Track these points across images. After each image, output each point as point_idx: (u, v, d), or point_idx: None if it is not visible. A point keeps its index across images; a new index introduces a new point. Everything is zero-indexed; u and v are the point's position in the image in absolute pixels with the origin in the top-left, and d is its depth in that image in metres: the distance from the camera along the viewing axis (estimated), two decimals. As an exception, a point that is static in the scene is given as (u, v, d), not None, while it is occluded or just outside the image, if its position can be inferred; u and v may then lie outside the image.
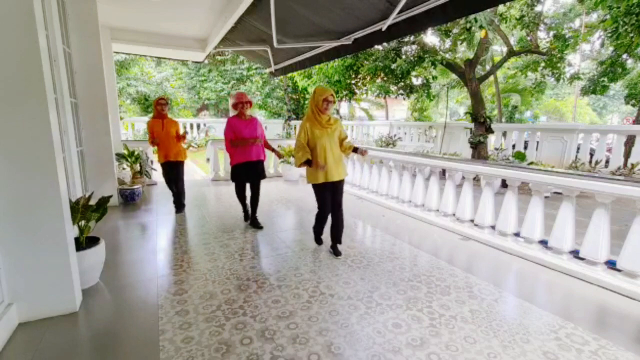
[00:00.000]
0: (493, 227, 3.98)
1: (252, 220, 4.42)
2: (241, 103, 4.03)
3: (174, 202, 5.06)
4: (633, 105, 12.19)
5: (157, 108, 4.73)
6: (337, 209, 3.47)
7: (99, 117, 4.96)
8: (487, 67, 12.23)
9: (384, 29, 3.97)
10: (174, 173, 4.90)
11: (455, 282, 2.97)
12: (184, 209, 5.11)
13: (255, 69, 15.87)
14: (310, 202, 5.89)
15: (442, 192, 4.59)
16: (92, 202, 2.92)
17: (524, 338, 2.22)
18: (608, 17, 6.69)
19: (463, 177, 4.37)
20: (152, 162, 6.95)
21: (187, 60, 12.74)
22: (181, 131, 4.88)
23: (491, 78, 13.51)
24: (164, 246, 3.78)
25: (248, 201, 4.45)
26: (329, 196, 3.40)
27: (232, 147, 4.08)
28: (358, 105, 20.67)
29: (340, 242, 3.56)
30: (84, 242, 2.78)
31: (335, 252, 3.50)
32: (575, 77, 10.09)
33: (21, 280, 2.26)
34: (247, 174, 4.19)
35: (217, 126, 16.11)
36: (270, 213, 5.05)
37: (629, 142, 7.75)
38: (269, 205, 5.47)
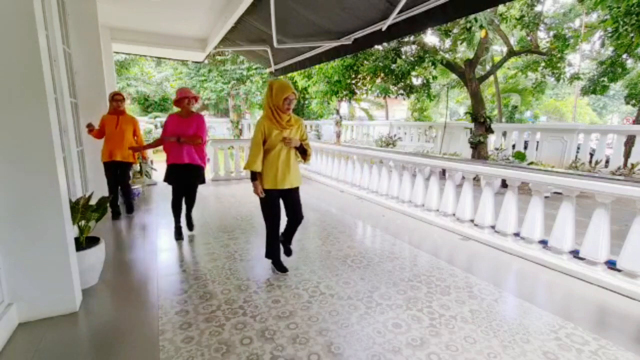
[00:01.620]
0: (493, 227, 3.98)
1: (186, 218, 4.08)
2: (187, 98, 3.66)
3: (113, 204, 4.65)
4: (633, 105, 12.20)
5: (113, 104, 4.45)
6: (296, 223, 3.12)
7: (99, 117, 4.95)
8: (487, 67, 12.23)
9: (384, 29, 3.97)
10: (118, 174, 4.61)
11: (455, 282, 2.96)
12: (133, 210, 4.96)
13: (255, 69, 15.85)
14: (310, 202, 5.89)
15: (442, 192, 4.59)
16: (92, 202, 2.92)
17: (524, 338, 2.22)
18: (608, 17, 6.69)
19: (463, 177, 4.37)
20: (152, 162, 6.95)
21: (187, 60, 12.73)
22: (141, 130, 4.71)
23: (491, 78, 13.52)
24: (164, 246, 3.77)
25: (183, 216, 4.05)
26: (278, 205, 2.99)
27: (165, 145, 3.75)
28: (358, 105, 20.67)
29: (291, 242, 3.25)
30: (84, 242, 2.78)
31: (287, 251, 3.22)
32: (575, 77, 10.09)
33: (21, 280, 2.25)
34: (178, 177, 3.79)
35: (217, 126, 16.20)
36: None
37: (629, 142, 7.75)
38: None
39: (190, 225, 4.13)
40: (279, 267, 3.10)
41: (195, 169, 3.83)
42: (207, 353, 2.02)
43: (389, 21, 3.79)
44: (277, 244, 3.11)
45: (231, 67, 16.26)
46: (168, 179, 3.82)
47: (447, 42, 9.38)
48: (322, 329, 2.27)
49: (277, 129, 2.81)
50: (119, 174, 4.62)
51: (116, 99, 4.47)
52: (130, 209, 4.92)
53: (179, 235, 3.94)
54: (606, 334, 2.30)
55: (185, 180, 3.85)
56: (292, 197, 3.05)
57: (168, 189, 5.29)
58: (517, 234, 3.76)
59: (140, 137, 4.76)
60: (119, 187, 4.74)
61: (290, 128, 2.88)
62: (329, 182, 7.30)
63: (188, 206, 4.06)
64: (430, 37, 10.15)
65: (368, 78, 9.56)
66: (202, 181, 3.98)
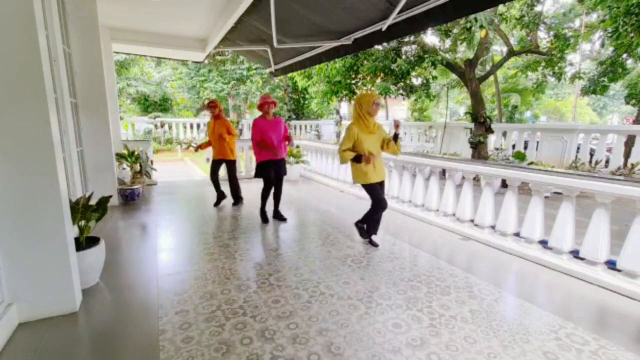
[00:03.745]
0: (493, 227, 3.98)
1: (275, 213, 4.70)
2: (267, 104, 4.31)
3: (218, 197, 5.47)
4: (633, 105, 12.20)
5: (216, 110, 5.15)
6: (383, 207, 3.70)
7: (99, 117, 4.95)
8: (487, 67, 12.23)
9: (384, 29, 3.97)
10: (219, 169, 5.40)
11: (455, 282, 2.96)
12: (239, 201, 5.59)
13: (255, 69, 15.87)
14: (311, 202, 5.90)
15: (442, 192, 4.59)
16: (92, 202, 2.92)
17: (524, 338, 2.22)
18: (608, 17, 6.69)
19: (463, 177, 4.37)
20: (152, 162, 6.95)
21: (187, 60, 12.73)
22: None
23: (491, 78, 13.52)
24: (164, 246, 3.77)
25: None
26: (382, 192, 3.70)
27: (259, 147, 4.34)
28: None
29: (376, 234, 3.88)
30: (84, 242, 2.78)
31: (373, 244, 3.81)
32: (576, 76, 10.09)
33: (21, 280, 2.25)
34: (275, 170, 4.42)
35: (217, 126, 16.15)
36: (270, 213, 5.04)
37: (629, 142, 7.75)
38: (269, 205, 5.46)
39: (282, 218, 4.66)
40: (373, 242, 3.81)
41: (284, 162, 4.57)
42: (207, 353, 2.02)
43: (389, 21, 3.79)
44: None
45: (231, 67, 16.27)
46: (265, 173, 4.39)
47: (447, 42, 9.38)
48: (322, 329, 2.27)
49: (365, 133, 3.47)
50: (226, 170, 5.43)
51: (210, 105, 5.15)
52: (236, 201, 5.54)
53: (266, 219, 4.57)
54: (606, 334, 2.30)
55: (279, 172, 4.48)
56: (383, 189, 3.76)
57: (168, 188, 5.31)
58: (517, 234, 3.76)
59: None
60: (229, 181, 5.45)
61: (375, 132, 3.52)
62: (329, 182, 7.29)
63: (278, 201, 4.65)
64: (430, 37, 10.16)
65: (368, 78, 9.57)
66: (286, 172, 4.65)
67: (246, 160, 7.84)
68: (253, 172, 5.21)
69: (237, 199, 5.51)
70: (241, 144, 8.21)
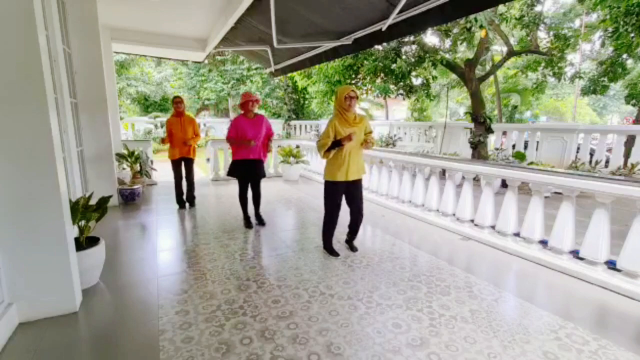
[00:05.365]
0: (493, 227, 3.98)
1: (256, 217, 4.51)
2: (249, 102, 4.16)
3: (182, 197, 5.32)
4: (633, 105, 12.19)
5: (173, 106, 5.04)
6: (357, 211, 3.51)
7: (99, 117, 4.96)
8: (487, 67, 12.23)
9: (384, 29, 3.97)
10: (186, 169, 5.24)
11: (455, 282, 2.96)
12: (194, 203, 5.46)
13: (256, 69, 15.88)
14: (310, 202, 5.89)
15: (442, 192, 4.59)
16: (92, 202, 2.92)
17: (524, 338, 2.22)
18: (608, 17, 6.70)
19: (463, 177, 4.37)
20: (152, 162, 6.95)
21: (187, 61, 12.72)
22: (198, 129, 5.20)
23: (491, 78, 13.51)
24: (164, 246, 3.77)
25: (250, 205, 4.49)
26: (340, 198, 3.42)
27: (233, 145, 4.23)
28: (358, 105, 20.64)
29: (355, 238, 3.68)
30: (84, 242, 2.78)
31: (352, 248, 3.65)
32: (576, 76, 10.08)
33: (21, 280, 2.26)
34: (246, 171, 4.26)
35: (217, 126, 16.16)
36: (270, 213, 5.05)
37: (629, 142, 7.74)
38: (269, 205, 5.47)
39: (262, 222, 4.46)
40: (331, 251, 3.53)
41: (261, 163, 4.33)
42: (207, 353, 2.02)
43: (389, 21, 3.79)
44: (332, 230, 3.54)
45: (231, 67, 16.27)
46: (237, 172, 4.25)
47: (447, 42, 9.38)
48: (322, 329, 2.27)
49: (346, 127, 3.27)
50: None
51: (176, 101, 5.00)
52: (192, 202, 5.42)
53: (248, 223, 4.39)
54: (606, 334, 2.30)
55: (252, 174, 4.28)
56: (357, 188, 3.47)
57: (168, 188, 5.33)
58: (517, 234, 3.76)
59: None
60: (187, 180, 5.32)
61: (356, 125, 3.30)
62: (329, 182, 7.29)
63: (257, 204, 4.45)
64: (431, 37, 10.16)
65: (368, 78, 9.57)
66: (264, 175, 4.41)
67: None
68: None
69: (193, 199, 5.41)
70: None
